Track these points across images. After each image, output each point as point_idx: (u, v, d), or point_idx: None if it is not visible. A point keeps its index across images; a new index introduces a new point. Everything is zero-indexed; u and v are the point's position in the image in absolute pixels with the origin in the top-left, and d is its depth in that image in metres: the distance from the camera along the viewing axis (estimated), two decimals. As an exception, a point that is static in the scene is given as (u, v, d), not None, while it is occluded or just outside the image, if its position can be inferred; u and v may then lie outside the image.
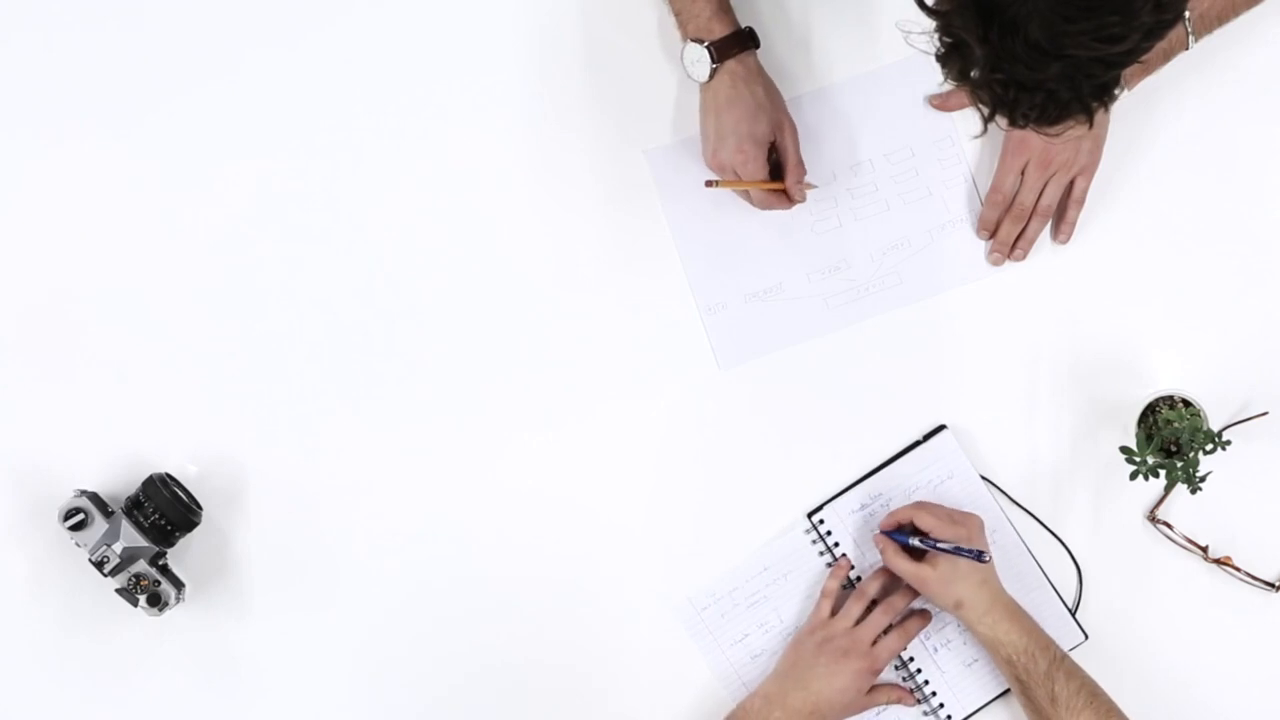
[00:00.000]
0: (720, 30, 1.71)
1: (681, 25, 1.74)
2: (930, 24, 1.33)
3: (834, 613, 1.77)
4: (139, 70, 1.82)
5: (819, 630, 1.76)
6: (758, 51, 1.74)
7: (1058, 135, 1.37)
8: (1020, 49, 1.27)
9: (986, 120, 1.36)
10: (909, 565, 1.73)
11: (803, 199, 1.76)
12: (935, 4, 1.31)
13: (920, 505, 1.75)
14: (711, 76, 1.72)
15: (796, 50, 1.82)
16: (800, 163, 1.75)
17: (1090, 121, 1.35)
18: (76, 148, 1.82)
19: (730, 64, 1.72)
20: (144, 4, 1.82)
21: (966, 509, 1.79)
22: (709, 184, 1.74)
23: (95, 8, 1.82)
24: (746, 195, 1.78)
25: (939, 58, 1.34)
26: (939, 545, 1.70)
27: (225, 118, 1.82)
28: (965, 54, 1.31)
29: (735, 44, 1.72)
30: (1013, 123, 1.34)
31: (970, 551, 1.68)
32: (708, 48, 1.71)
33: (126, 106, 1.82)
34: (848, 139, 1.82)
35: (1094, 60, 1.28)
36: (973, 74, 1.32)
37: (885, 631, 1.76)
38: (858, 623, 1.76)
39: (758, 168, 1.73)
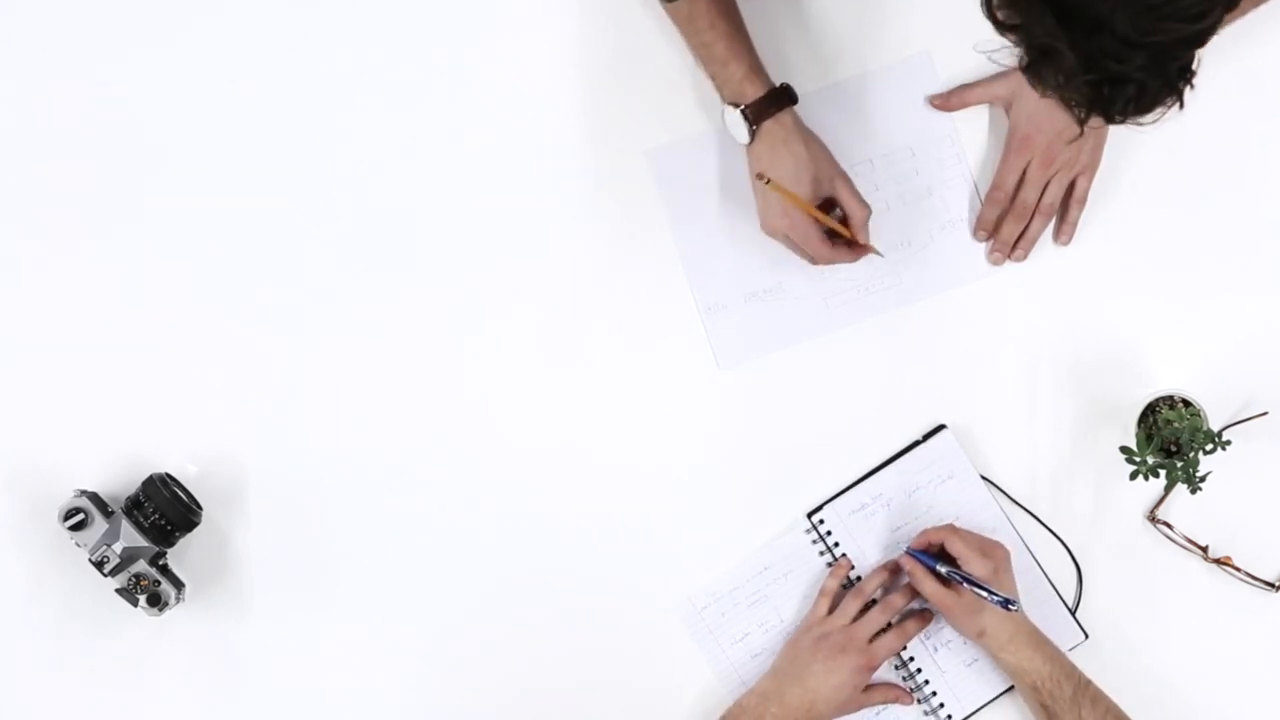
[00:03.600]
0: (754, 92, 1.71)
1: (718, 89, 1.74)
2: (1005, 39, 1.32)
3: (832, 611, 1.77)
4: (139, 72, 1.82)
5: (815, 627, 1.76)
6: (796, 107, 1.73)
7: (1151, 123, 1.35)
8: (1109, 44, 1.25)
9: (1083, 122, 1.34)
10: (936, 589, 1.73)
11: (867, 241, 1.74)
12: (1005, 19, 1.30)
13: (952, 529, 1.75)
14: (752, 139, 1.72)
15: (797, 50, 1.82)
16: (863, 205, 1.73)
17: (1181, 103, 1.33)
18: (74, 147, 1.82)
19: (767, 125, 1.71)
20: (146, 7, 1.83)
21: (966, 509, 1.79)
22: (760, 176, 1.71)
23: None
24: (806, 256, 1.76)
25: (1027, 68, 1.32)
26: (969, 582, 1.70)
27: (226, 121, 1.82)
28: (1056, 60, 1.29)
29: (771, 104, 1.71)
30: (1109, 119, 1.32)
31: (999, 598, 1.69)
32: (743, 111, 1.71)
33: (125, 111, 1.82)
34: (848, 139, 1.82)
35: (1179, 42, 1.27)
36: (1060, 79, 1.30)
37: (884, 630, 1.76)
38: (855, 620, 1.76)
39: (807, 227, 1.72)
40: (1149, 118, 1.34)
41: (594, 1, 1.81)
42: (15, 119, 1.82)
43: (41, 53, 1.82)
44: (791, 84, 1.78)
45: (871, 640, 1.75)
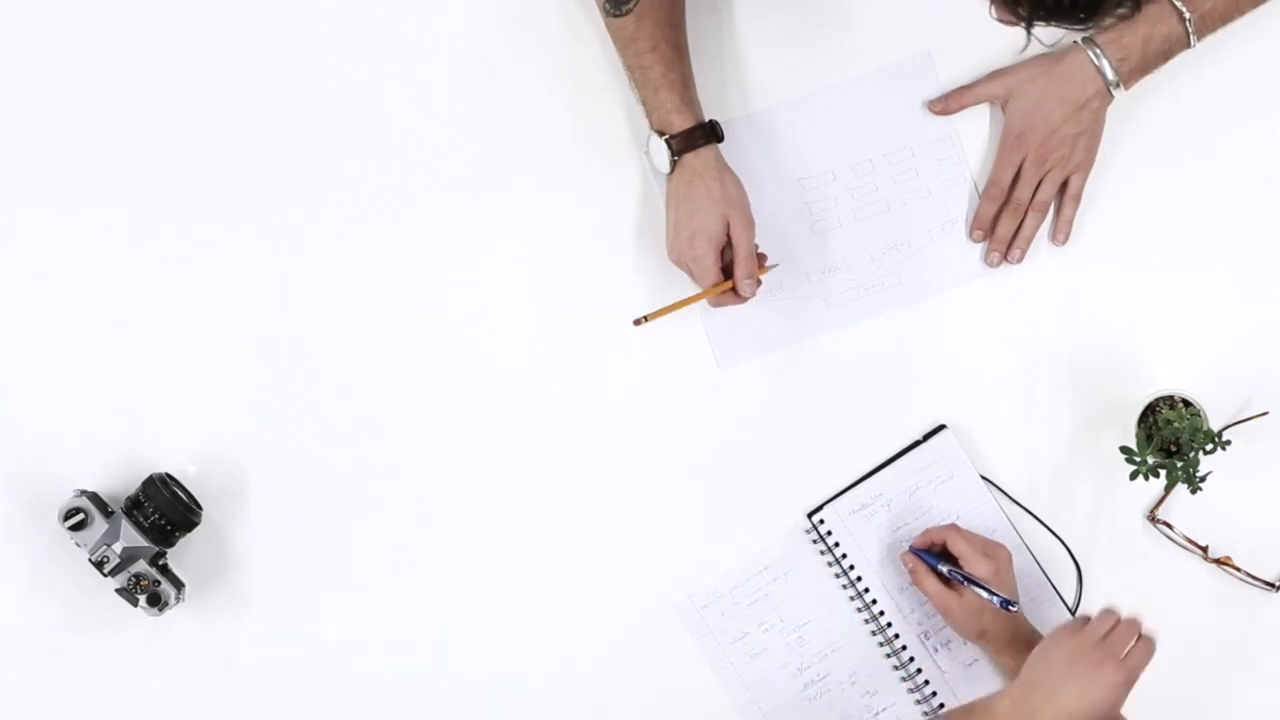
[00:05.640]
0: (681, 124, 1.71)
1: (646, 114, 1.73)
2: None
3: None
4: (136, 80, 1.82)
5: (1066, 641, 1.66)
6: (720, 145, 1.73)
7: (1105, 27, 1.33)
8: None
9: (1028, 28, 1.33)
10: (937, 589, 1.74)
11: (751, 295, 1.73)
12: None
13: (954, 529, 1.75)
14: (672, 169, 1.72)
15: (796, 51, 1.82)
16: (750, 257, 1.71)
17: (1137, 5, 1.30)
18: (74, 150, 1.82)
19: (688, 158, 1.71)
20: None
21: (966, 509, 1.79)
22: (637, 322, 1.72)
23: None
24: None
25: None
26: (971, 582, 1.71)
27: (224, 122, 1.82)
28: None
29: (696, 138, 1.71)
30: (1051, 18, 1.30)
31: (1000, 598, 1.69)
32: (667, 141, 1.71)
33: (124, 113, 1.82)
34: (848, 139, 1.82)
35: None
36: None
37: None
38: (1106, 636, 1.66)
39: (709, 263, 1.72)
40: (1099, 20, 1.31)
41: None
42: (17, 123, 1.82)
43: (42, 82, 1.82)
44: (792, 84, 1.78)
45: (1125, 657, 1.65)
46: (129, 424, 1.80)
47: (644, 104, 1.73)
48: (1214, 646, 1.80)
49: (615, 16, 1.71)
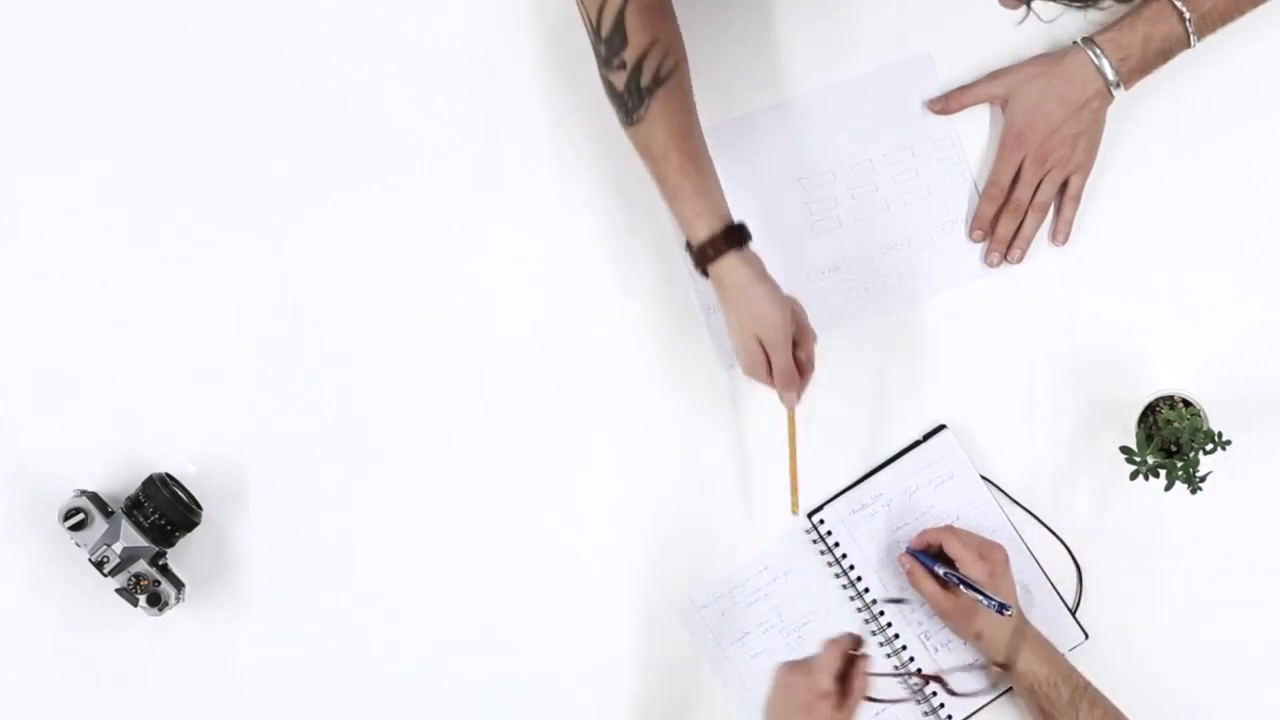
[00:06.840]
0: (697, 235, 1.65)
1: (678, 227, 1.69)
2: None
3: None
4: (136, 80, 1.82)
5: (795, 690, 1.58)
6: (750, 243, 1.67)
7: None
8: None
9: (1028, 4, 1.32)
10: (933, 590, 1.74)
11: (793, 405, 1.71)
12: None
13: (951, 530, 1.76)
14: (708, 277, 1.68)
15: (796, 51, 1.82)
16: (785, 372, 1.68)
17: None
18: (74, 150, 1.82)
19: (716, 273, 1.65)
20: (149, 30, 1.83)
21: (966, 509, 1.79)
22: (795, 513, 1.75)
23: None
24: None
25: None
26: (965, 584, 1.71)
27: (224, 122, 1.82)
28: None
29: (720, 247, 1.64)
30: None
31: (994, 602, 1.69)
32: (687, 250, 1.67)
33: (124, 113, 1.82)
34: (848, 139, 1.82)
35: None
36: None
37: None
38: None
39: (764, 378, 1.69)
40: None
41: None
42: (18, 123, 1.82)
43: (43, 79, 1.82)
44: (792, 84, 1.78)
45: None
46: (129, 424, 1.80)
47: (674, 217, 1.69)
48: (1214, 646, 1.80)
49: (626, 126, 1.68)
